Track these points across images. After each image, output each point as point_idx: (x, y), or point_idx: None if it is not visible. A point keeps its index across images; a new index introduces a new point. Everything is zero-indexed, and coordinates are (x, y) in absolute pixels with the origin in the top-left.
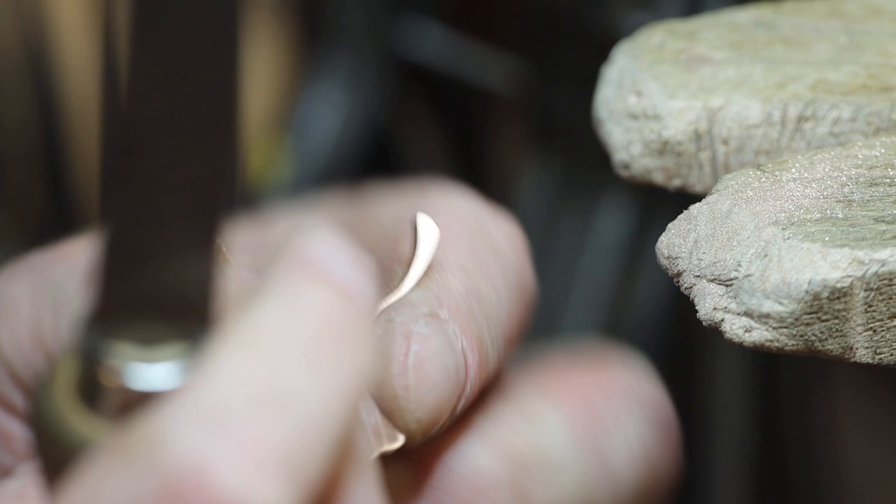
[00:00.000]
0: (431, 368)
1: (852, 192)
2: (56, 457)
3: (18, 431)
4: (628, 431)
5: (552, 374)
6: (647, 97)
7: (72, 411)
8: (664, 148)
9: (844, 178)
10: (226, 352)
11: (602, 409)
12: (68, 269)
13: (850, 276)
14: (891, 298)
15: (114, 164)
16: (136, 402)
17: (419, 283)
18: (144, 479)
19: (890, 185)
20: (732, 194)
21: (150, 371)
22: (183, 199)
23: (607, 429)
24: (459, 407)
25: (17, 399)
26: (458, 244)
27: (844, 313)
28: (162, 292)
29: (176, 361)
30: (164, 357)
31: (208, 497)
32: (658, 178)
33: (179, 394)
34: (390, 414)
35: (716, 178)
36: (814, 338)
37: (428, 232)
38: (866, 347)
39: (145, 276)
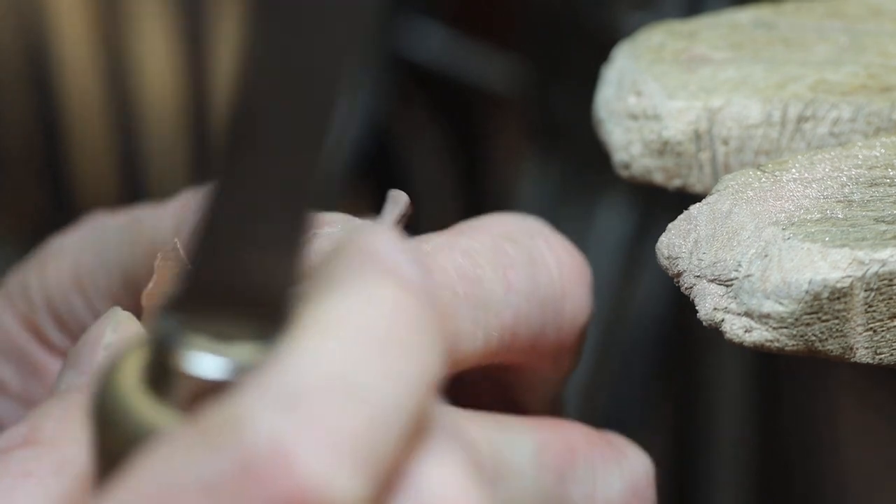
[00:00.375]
0: None
1: (852, 193)
2: (115, 441)
3: (54, 367)
4: (599, 483)
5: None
6: (647, 97)
7: (139, 397)
8: (664, 148)
9: (844, 179)
10: (302, 339)
11: (579, 451)
12: (118, 221)
13: (850, 277)
14: (891, 299)
15: (224, 153)
16: (207, 394)
17: None
18: (222, 458)
19: (890, 185)
20: (732, 194)
21: (222, 364)
22: (282, 198)
23: (577, 470)
24: None
25: (56, 337)
26: (480, 235)
27: (844, 313)
28: (247, 290)
29: (248, 359)
30: (237, 354)
31: (288, 480)
32: (658, 178)
33: (257, 379)
34: None
35: (716, 178)
36: (814, 338)
37: (395, 201)
38: (866, 348)
39: (234, 272)
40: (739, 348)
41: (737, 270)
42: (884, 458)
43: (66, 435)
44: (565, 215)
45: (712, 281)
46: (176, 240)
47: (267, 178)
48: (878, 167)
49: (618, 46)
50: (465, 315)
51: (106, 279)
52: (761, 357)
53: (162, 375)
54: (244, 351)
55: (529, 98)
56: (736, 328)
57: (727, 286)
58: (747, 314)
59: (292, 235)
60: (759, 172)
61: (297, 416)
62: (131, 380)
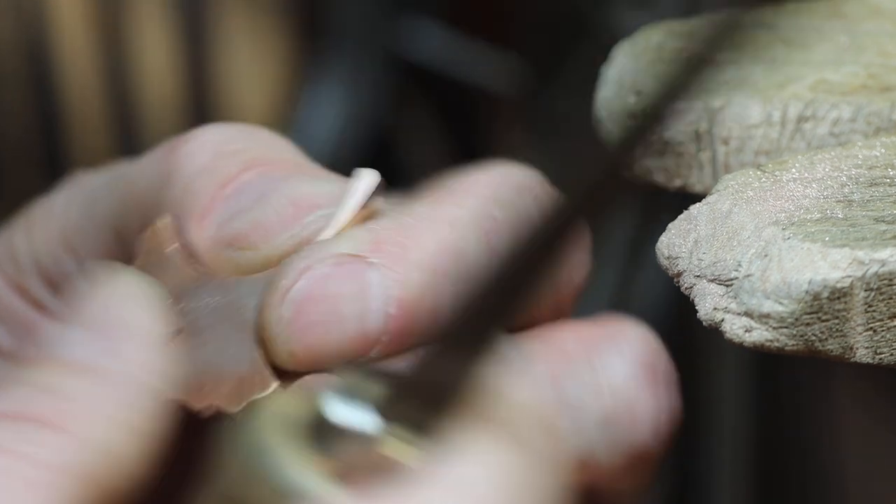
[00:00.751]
0: (316, 308)
1: (852, 192)
2: (253, 491)
3: (44, 326)
4: (600, 372)
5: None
6: (647, 97)
7: (291, 454)
8: (664, 148)
9: (844, 178)
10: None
11: (570, 350)
12: (103, 177)
13: (850, 276)
14: (891, 298)
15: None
16: (361, 466)
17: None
18: None
19: (890, 185)
20: (733, 194)
21: (390, 443)
22: (502, 309)
23: (573, 369)
24: (372, 353)
25: (46, 297)
26: (466, 198)
27: (844, 313)
28: (431, 390)
29: (411, 447)
30: (402, 438)
31: None
32: (658, 178)
33: (436, 483)
34: (264, 345)
35: (716, 178)
36: (814, 338)
37: (363, 179)
38: (866, 347)
39: (433, 376)
40: (739, 348)
41: (737, 270)
42: (883, 459)
43: (84, 421)
44: None
45: (712, 281)
46: (167, 215)
47: (477, 325)
48: (878, 167)
49: (618, 46)
50: (446, 293)
51: (96, 235)
52: (761, 357)
53: (318, 434)
54: (409, 436)
55: (529, 98)
56: (736, 328)
57: (727, 286)
58: (747, 314)
59: (488, 345)
60: (759, 172)
61: None
62: (281, 433)
